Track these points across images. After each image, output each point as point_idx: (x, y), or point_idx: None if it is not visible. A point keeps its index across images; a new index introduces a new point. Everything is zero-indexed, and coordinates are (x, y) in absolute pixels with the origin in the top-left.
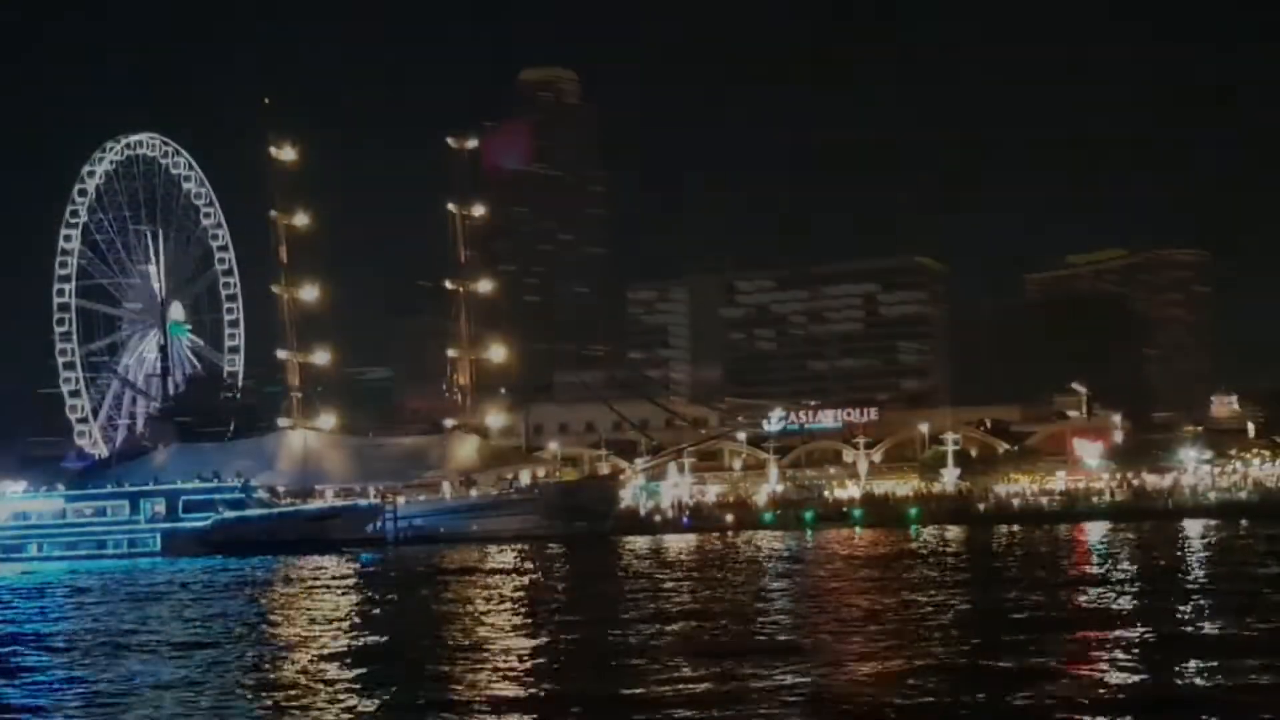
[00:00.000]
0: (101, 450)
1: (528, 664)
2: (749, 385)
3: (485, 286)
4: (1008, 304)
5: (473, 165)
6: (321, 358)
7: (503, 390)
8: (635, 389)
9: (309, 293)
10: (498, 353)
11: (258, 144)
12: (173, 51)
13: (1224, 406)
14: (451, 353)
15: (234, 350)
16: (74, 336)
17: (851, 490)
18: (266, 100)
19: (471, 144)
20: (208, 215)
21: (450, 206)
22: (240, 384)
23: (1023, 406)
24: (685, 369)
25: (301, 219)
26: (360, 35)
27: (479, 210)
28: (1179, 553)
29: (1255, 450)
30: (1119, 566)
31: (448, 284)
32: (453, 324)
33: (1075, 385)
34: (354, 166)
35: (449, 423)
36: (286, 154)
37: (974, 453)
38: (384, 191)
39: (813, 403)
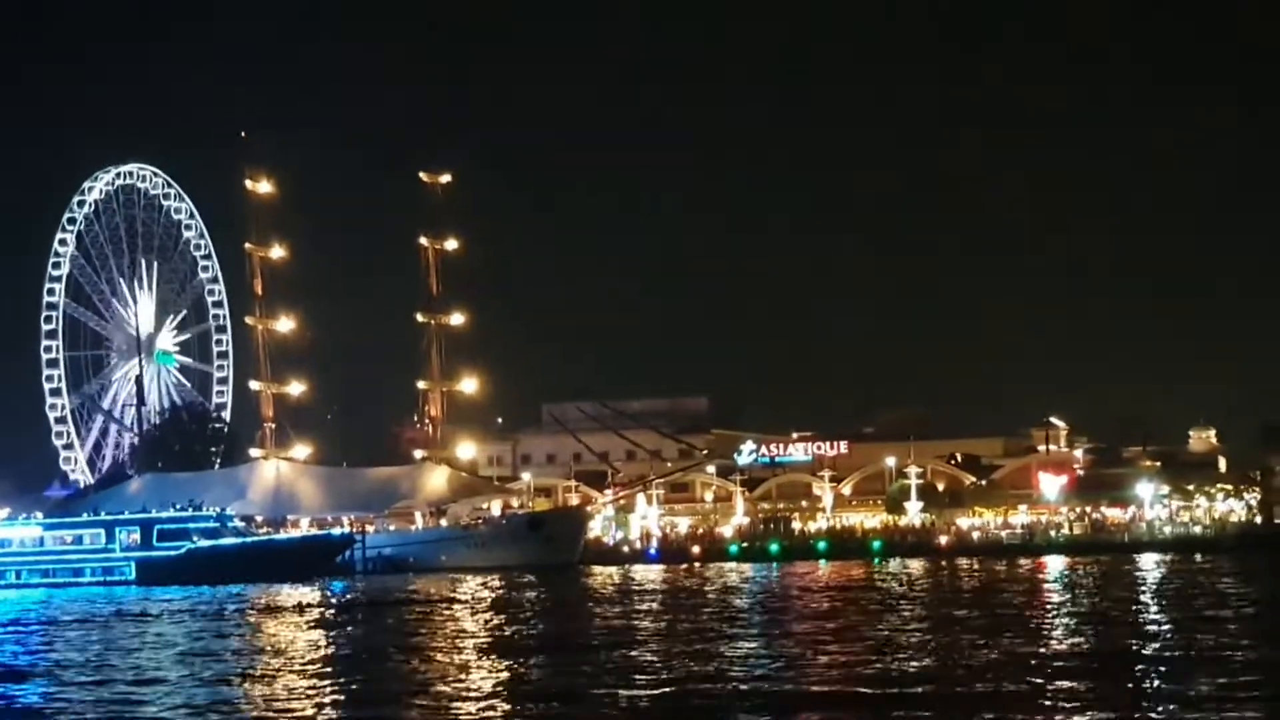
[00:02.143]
0: (88, 479)
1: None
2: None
3: (458, 319)
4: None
5: (447, 199)
6: (296, 389)
7: (499, 420)
8: (617, 421)
9: (284, 325)
10: (470, 385)
11: (235, 177)
12: (152, 78)
13: (1201, 440)
14: (422, 385)
15: (222, 381)
16: (62, 374)
17: (820, 523)
18: (243, 134)
19: (445, 178)
20: (198, 248)
21: (422, 240)
22: (229, 414)
23: (1006, 439)
24: (669, 401)
25: (278, 251)
26: (341, 67)
27: (452, 244)
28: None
29: (1219, 485)
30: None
31: (419, 317)
32: (424, 356)
33: (1053, 419)
34: (331, 198)
35: (419, 454)
36: (263, 187)
37: (941, 486)
38: (361, 223)
39: (794, 435)
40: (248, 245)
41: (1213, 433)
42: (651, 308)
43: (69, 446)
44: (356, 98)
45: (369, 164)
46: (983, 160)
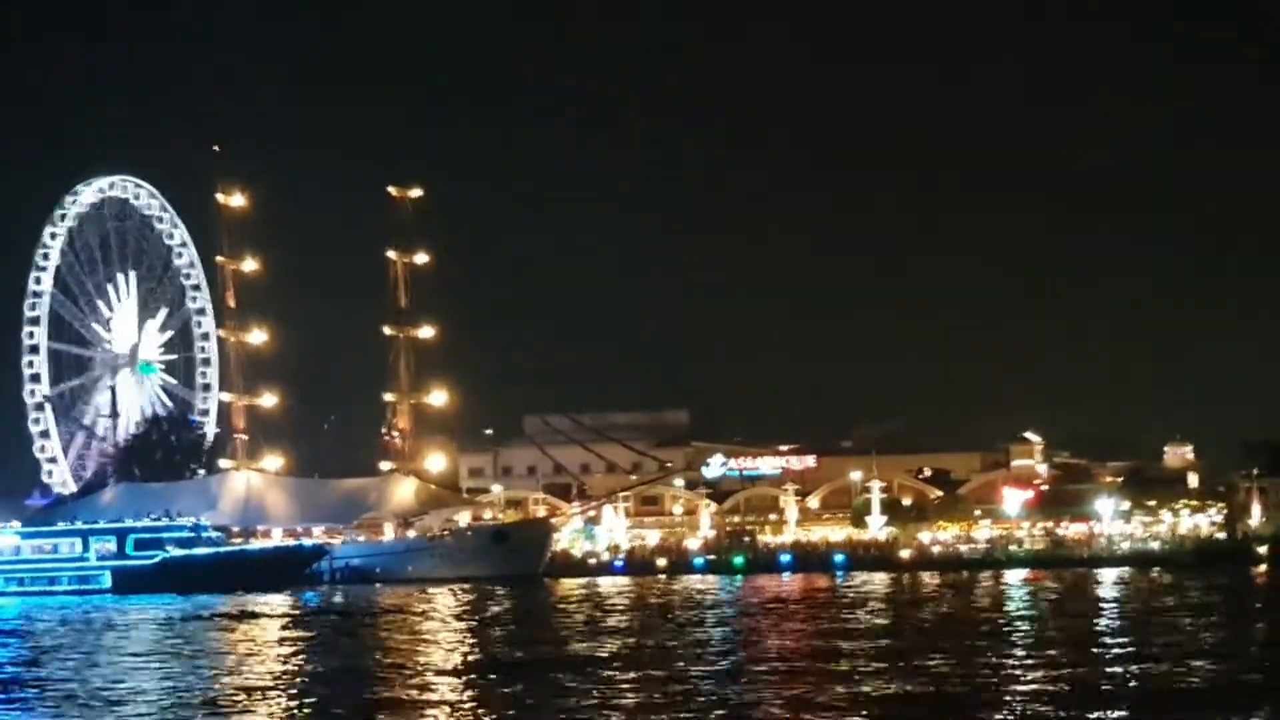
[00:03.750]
0: (70, 487)
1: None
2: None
3: (426, 332)
4: None
5: (416, 213)
6: (268, 400)
7: (488, 431)
8: (584, 434)
9: (256, 336)
10: (439, 397)
11: (209, 189)
12: (126, 94)
13: (1176, 456)
14: (389, 397)
15: (206, 391)
16: (43, 377)
17: (787, 536)
18: (217, 147)
19: (415, 193)
20: (188, 276)
21: (390, 254)
22: (211, 428)
23: (984, 454)
24: (650, 415)
25: (250, 264)
26: (311, 78)
27: (421, 258)
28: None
29: (1184, 501)
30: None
31: (386, 330)
32: (391, 369)
33: (1027, 434)
34: (304, 212)
35: (386, 465)
36: (236, 200)
37: (908, 501)
38: (333, 236)
39: (783, 448)
40: (220, 258)
41: (1189, 448)
42: (637, 319)
43: (46, 438)
44: (327, 107)
45: (344, 176)
46: (987, 163)
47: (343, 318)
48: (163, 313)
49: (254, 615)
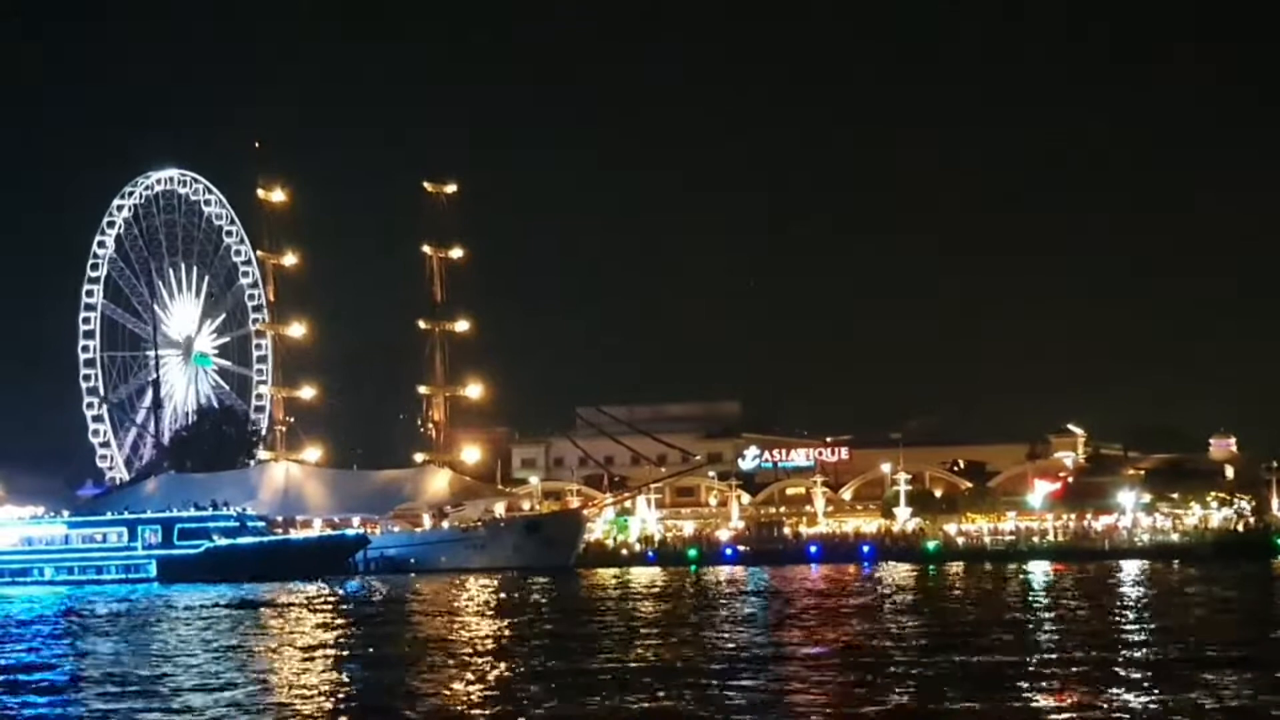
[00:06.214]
0: (125, 477)
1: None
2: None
3: (462, 326)
4: None
5: (451, 208)
6: (307, 393)
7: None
8: (616, 427)
9: (296, 329)
10: (474, 390)
11: (249, 185)
12: (163, 87)
13: (1220, 448)
14: (424, 390)
15: (260, 412)
16: (98, 376)
17: (820, 527)
18: (258, 144)
19: (450, 188)
20: (245, 277)
21: (425, 249)
22: (265, 419)
23: (1030, 445)
24: (702, 406)
25: (290, 259)
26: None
27: (457, 252)
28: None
29: (1214, 494)
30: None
31: (421, 324)
32: (427, 362)
33: (1071, 426)
34: (344, 206)
35: (419, 457)
36: (276, 195)
37: (938, 493)
38: (372, 231)
39: (834, 438)
40: (260, 252)
41: (1233, 441)
42: (691, 311)
43: (105, 444)
44: (365, 104)
45: (382, 171)
46: (1025, 161)
47: (381, 310)
48: (222, 318)
49: (309, 605)
